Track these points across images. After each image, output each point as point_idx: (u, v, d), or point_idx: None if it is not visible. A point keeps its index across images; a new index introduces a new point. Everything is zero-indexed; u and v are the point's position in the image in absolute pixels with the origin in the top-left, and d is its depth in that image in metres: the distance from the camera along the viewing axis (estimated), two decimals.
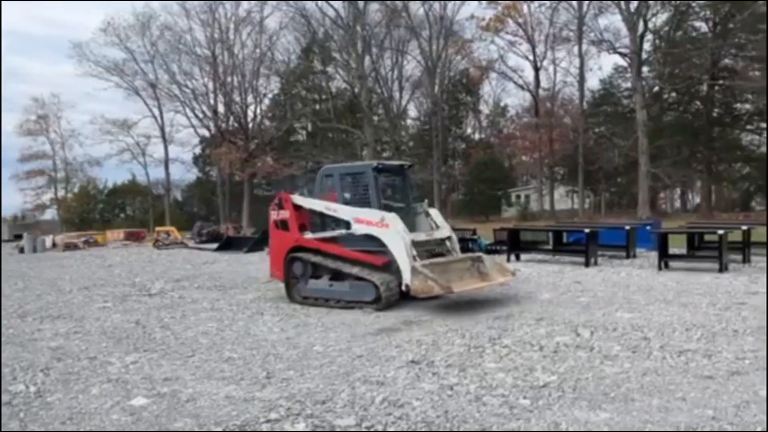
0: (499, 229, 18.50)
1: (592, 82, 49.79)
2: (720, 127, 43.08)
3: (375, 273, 9.20)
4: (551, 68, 47.87)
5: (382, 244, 9.12)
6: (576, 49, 42.55)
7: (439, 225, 10.02)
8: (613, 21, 53.97)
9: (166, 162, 55.09)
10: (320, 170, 10.78)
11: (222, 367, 6.21)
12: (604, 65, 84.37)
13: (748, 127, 44.28)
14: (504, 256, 15.55)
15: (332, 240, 9.84)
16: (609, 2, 38.25)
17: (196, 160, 59.25)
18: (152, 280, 14.41)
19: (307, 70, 50.50)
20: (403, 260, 8.78)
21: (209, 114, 50.09)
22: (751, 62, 36.43)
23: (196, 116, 50.93)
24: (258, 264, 16.96)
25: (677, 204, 56.09)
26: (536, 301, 9.54)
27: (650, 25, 38.91)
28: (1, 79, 50.82)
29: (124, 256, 23.72)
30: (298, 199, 10.47)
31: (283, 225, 10.39)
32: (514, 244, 16.07)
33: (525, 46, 46.63)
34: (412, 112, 56.48)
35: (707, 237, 14.53)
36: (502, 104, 57.89)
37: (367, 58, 44.27)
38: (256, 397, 5.19)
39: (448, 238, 9.92)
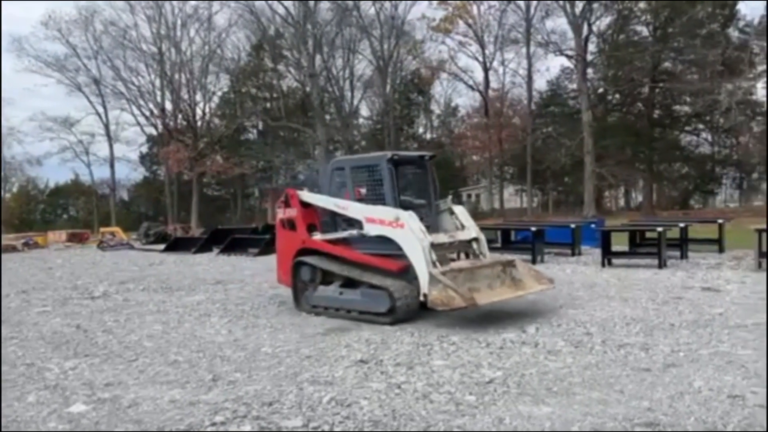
0: None
1: (540, 83, 51.04)
2: (660, 128, 44.67)
3: (390, 280, 8.03)
4: (500, 69, 48.70)
5: (398, 247, 8.00)
6: (524, 50, 43.47)
7: (465, 225, 8.76)
8: (559, 24, 55.24)
9: (112, 161, 53.67)
10: (330, 163, 9.61)
11: (167, 371, 6.08)
12: (551, 67, 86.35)
13: (687, 128, 46.12)
14: None
15: (343, 241, 8.81)
16: (555, 5, 39.17)
17: (143, 158, 57.91)
18: (95, 282, 13.98)
19: (258, 67, 50.02)
20: (421, 266, 7.67)
21: (156, 112, 49.04)
22: (689, 66, 37.88)
23: (143, 114, 49.84)
24: (205, 265, 16.71)
25: (622, 202, 57.90)
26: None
27: (594, 28, 40.08)
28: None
29: (66, 258, 22.93)
30: (306, 195, 9.29)
31: (290, 224, 9.33)
32: None
33: (475, 47, 47.31)
34: (364, 111, 56.61)
35: (648, 234, 15.05)
36: (453, 104, 58.67)
37: (318, 57, 44.10)
38: (201, 401, 5.11)
39: (476, 239, 8.68)
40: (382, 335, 7.34)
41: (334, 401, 4.98)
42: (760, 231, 12.35)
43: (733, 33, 39.34)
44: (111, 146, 53.10)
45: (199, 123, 48.77)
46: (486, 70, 47.58)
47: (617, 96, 45.46)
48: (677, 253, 14.28)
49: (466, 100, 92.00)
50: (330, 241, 8.89)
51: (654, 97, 43.27)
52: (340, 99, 50.02)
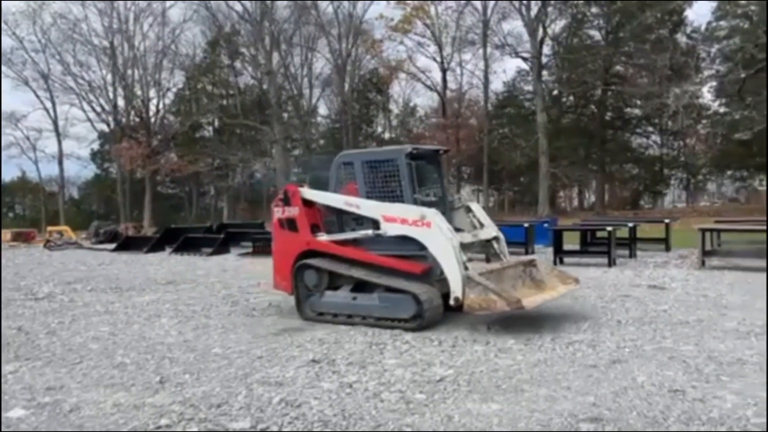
0: None
1: (497, 85, 51.65)
2: (612, 130, 45.89)
3: (414, 283, 7.50)
4: (458, 70, 49.21)
5: (419, 248, 7.52)
6: (481, 52, 43.97)
7: (484, 223, 8.35)
8: (515, 26, 56.12)
9: (60, 157, 52.05)
10: (336, 157, 8.75)
11: (112, 374, 5.91)
12: (507, 68, 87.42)
13: (637, 130, 47.50)
14: None
15: (353, 243, 8.15)
16: (512, 8, 39.76)
17: (94, 155, 56.36)
18: (40, 283, 13.51)
19: (213, 64, 49.22)
20: (452, 267, 7.17)
21: (108, 108, 47.79)
22: (640, 70, 38.97)
23: (94, 110, 48.49)
24: (157, 265, 16.36)
25: (576, 202, 59.21)
26: None
27: (549, 31, 40.92)
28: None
29: (9, 258, 22.10)
30: (309, 192, 8.56)
31: (290, 225, 8.55)
32: None
33: (433, 48, 47.70)
34: (323, 110, 56.38)
35: (598, 234, 15.41)
36: (411, 104, 58.90)
37: (275, 54, 43.67)
38: (146, 404, 4.98)
39: (495, 238, 8.29)
40: (336, 335, 7.31)
41: (284, 402, 4.93)
42: (703, 230, 12.80)
43: (681, 38, 40.68)
44: (60, 142, 51.56)
45: (152, 120, 47.74)
46: (444, 70, 48.02)
47: (571, 98, 46.46)
48: (626, 252, 14.67)
49: (424, 101, 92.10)
50: (339, 242, 8.20)
51: (606, 100, 44.39)
52: (298, 97, 49.69)
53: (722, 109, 41.32)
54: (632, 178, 49.87)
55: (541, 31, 39.12)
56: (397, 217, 7.61)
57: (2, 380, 5.79)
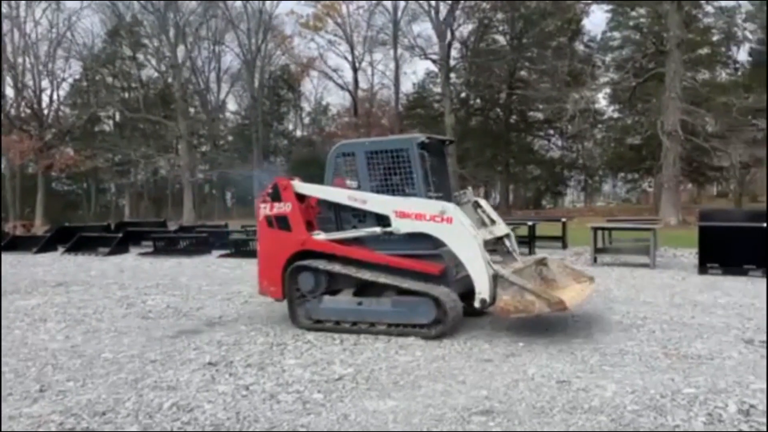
0: None
1: (407, 86, 52.31)
2: (516, 132, 47.71)
3: (432, 285, 6.88)
4: (369, 70, 49.49)
5: (433, 246, 6.97)
6: (392, 52, 44.46)
7: (495, 219, 7.80)
8: (425, 28, 57.28)
9: None
10: (334, 148, 7.91)
11: None
12: (417, 70, 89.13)
13: (539, 133, 49.63)
14: None
15: (356, 242, 7.45)
16: (421, 10, 40.46)
17: None
18: None
19: (114, 55, 46.85)
20: (478, 266, 6.60)
21: None
22: (541, 75, 40.73)
23: None
24: (47, 266, 15.36)
25: None
26: None
27: (457, 34, 41.91)
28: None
29: None
30: (304, 186, 7.77)
31: (280, 222, 7.71)
32: None
33: (344, 47, 47.67)
34: (232, 105, 55.05)
35: None
36: (323, 102, 58.62)
37: (181, 47, 42.18)
38: (23, 414, 4.65)
39: (507, 235, 7.75)
40: (236, 336, 7.14)
41: (176, 407, 4.75)
42: (595, 229, 13.53)
43: (579, 47, 42.89)
44: None
45: (45, 111, 44.80)
46: (355, 70, 48.14)
47: (478, 101, 47.90)
48: (526, 250, 15.23)
49: (336, 99, 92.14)
50: (341, 242, 7.45)
51: (511, 103, 46.05)
52: (205, 92, 48.27)
53: (616, 115, 43.96)
54: (534, 178, 52.03)
55: (449, 34, 40.04)
56: (411, 213, 6.94)
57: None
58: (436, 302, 6.72)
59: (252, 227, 21.95)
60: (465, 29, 42.96)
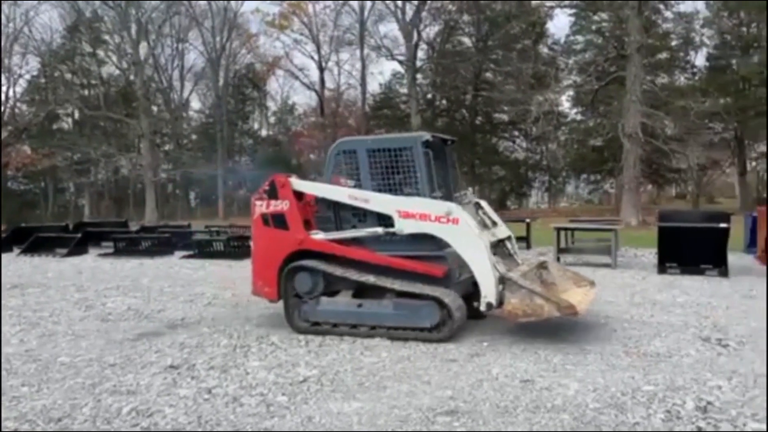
0: None
1: (374, 86, 52.23)
2: (481, 133, 48.12)
3: (436, 287, 6.73)
4: (336, 70, 49.30)
5: (436, 247, 6.85)
6: (358, 52, 44.37)
7: (496, 221, 7.60)
8: (391, 29, 57.35)
9: None
10: (334, 145, 7.73)
11: None
12: (384, 70, 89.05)
13: (504, 134, 50.19)
14: None
15: (356, 242, 7.24)
16: (388, 10, 40.53)
17: None
18: None
19: (73, 51, 45.67)
20: (484, 269, 6.50)
21: None
22: (506, 77, 41.17)
23: None
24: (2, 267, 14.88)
25: None
26: None
27: (424, 35, 42.11)
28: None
29: None
30: (302, 184, 7.57)
31: (277, 221, 7.46)
32: None
33: (310, 46, 47.37)
34: (196, 104, 54.22)
35: None
36: (290, 102, 58.17)
37: (144, 44, 41.37)
38: None
39: (508, 238, 7.56)
40: (199, 338, 7.03)
41: (135, 411, 4.64)
42: (558, 229, 13.73)
43: (543, 49, 43.49)
44: None
45: (1, 108, 43.43)
46: (321, 69, 47.87)
47: (444, 102, 48.13)
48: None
49: (303, 99, 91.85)
50: (340, 242, 7.24)
51: (476, 105, 46.42)
52: (169, 90, 47.45)
53: (578, 117, 44.71)
54: (499, 179, 52.52)
55: (415, 35, 40.19)
56: (416, 213, 6.76)
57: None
58: (439, 305, 6.57)
59: (215, 227, 21.73)
60: (431, 30, 43.21)
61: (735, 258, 12.41)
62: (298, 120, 57.83)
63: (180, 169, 44.08)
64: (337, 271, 7.09)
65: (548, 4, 35.91)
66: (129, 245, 17.53)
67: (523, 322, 6.47)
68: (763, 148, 42.04)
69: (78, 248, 17.28)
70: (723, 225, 11.26)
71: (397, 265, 6.90)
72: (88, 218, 40.52)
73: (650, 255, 13.51)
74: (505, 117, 45.85)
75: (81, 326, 7.85)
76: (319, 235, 7.29)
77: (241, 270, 13.50)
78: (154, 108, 46.86)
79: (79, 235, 18.17)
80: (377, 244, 7.08)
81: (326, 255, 7.20)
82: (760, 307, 8.08)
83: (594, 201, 55.25)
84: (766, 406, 4.50)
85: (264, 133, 59.36)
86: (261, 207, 7.58)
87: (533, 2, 37.02)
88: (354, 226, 7.25)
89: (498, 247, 7.27)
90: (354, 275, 7.04)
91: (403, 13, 38.86)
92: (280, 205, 7.44)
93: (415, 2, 38.72)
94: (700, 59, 40.97)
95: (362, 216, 7.20)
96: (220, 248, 16.03)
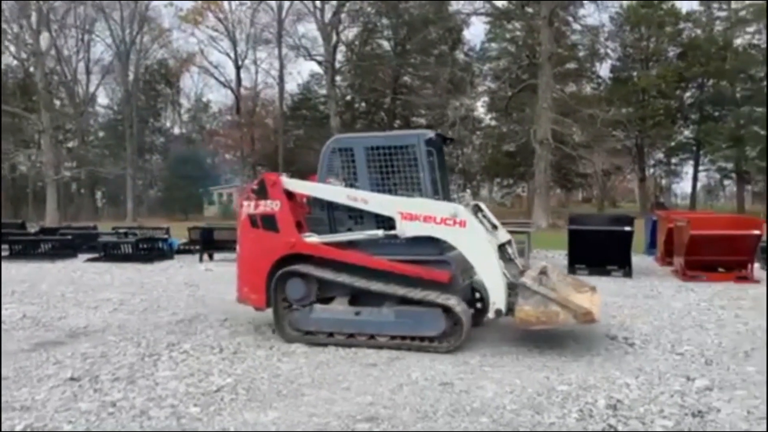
0: (192, 228, 17.87)
1: (292, 86, 51.79)
2: None
3: (441, 294, 6.28)
4: (253, 68, 48.40)
5: (438, 251, 6.44)
6: (276, 51, 43.74)
7: (496, 225, 7.20)
8: (310, 29, 56.85)
9: None
10: (328, 142, 7.15)
11: None
12: (302, 71, 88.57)
13: None
14: (197, 256, 15.46)
15: (351, 245, 6.74)
16: (306, 10, 40.18)
17: None
18: None
19: None
20: (493, 274, 6.20)
21: None
22: (424, 81, 41.86)
23: None
24: None
25: None
26: (225, 301, 9.31)
27: (343, 37, 42.07)
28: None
29: None
30: (294, 183, 7.04)
31: (266, 222, 6.92)
32: (208, 243, 15.68)
33: (226, 43, 46.31)
34: (103, 99, 51.73)
35: None
36: (204, 99, 56.54)
37: (45, 34, 38.92)
38: None
39: (509, 242, 7.18)
40: (103, 347, 6.60)
41: (30, 429, 4.26)
42: None
43: (460, 55, 44.52)
44: None
45: None
46: (238, 67, 46.92)
47: (363, 104, 48.30)
48: None
49: (218, 97, 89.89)
50: (336, 245, 6.74)
51: (395, 108, 46.91)
52: (73, 83, 44.90)
53: (493, 123, 46.08)
54: None
55: (334, 36, 40.08)
56: (420, 215, 6.34)
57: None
58: (445, 312, 6.18)
59: (123, 229, 20.73)
60: (350, 32, 43.27)
61: (638, 259, 13.09)
62: (213, 118, 56.40)
63: (85, 168, 41.81)
64: (334, 276, 6.62)
65: (464, 11, 36.81)
66: (26, 248, 16.40)
67: (537, 329, 6.21)
68: (660, 155, 44.95)
69: None
70: (627, 228, 11.85)
71: (398, 270, 6.46)
72: None
73: (560, 256, 14.04)
74: (422, 121, 46.48)
75: None
76: (312, 238, 6.81)
77: (151, 274, 12.93)
78: (57, 102, 44.24)
79: None
80: (375, 247, 6.62)
81: (320, 259, 6.74)
82: (673, 307, 8.55)
83: (506, 204, 57.05)
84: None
85: (177, 131, 57.47)
86: (249, 207, 7.05)
87: (450, 8, 37.82)
88: (350, 229, 6.82)
89: (499, 252, 6.92)
90: (353, 281, 6.56)
91: (322, 13, 38.70)
92: (270, 206, 6.94)
93: (334, 3, 38.61)
94: (604, 70, 43.30)
95: (359, 218, 6.79)
96: (128, 251, 15.28)
